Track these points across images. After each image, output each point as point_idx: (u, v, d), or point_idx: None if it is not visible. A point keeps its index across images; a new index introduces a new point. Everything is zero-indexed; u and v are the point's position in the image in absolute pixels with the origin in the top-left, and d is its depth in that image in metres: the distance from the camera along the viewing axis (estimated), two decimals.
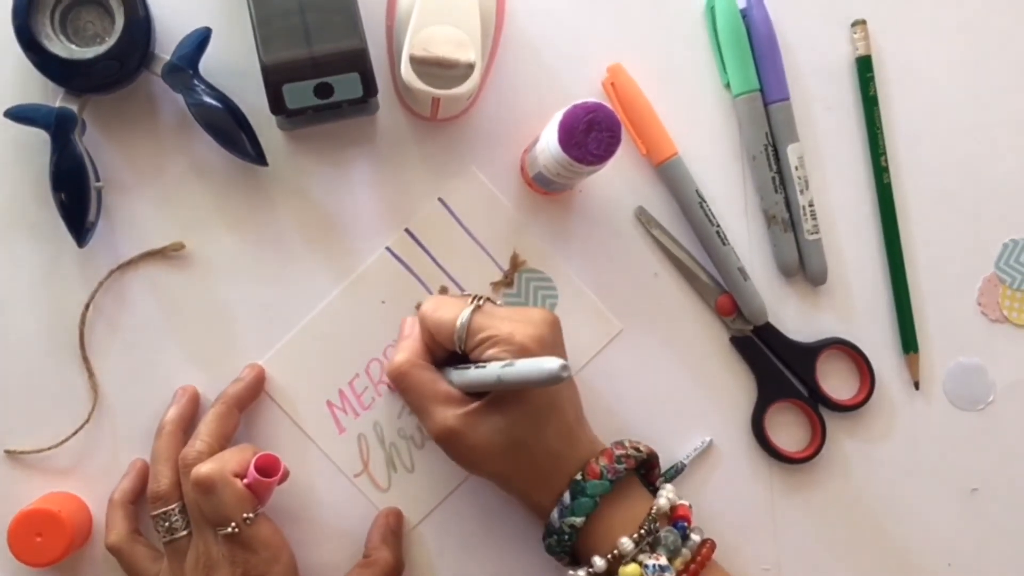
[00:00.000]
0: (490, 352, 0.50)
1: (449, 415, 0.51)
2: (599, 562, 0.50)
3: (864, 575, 0.61)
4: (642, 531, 0.51)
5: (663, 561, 0.50)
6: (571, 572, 0.52)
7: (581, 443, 0.53)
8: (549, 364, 0.46)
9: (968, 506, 0.61)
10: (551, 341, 0.52)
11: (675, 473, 0.59)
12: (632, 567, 0.50)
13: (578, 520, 0.51)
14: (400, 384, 0.53)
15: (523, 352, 0.50)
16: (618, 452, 0.52)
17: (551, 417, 0.52)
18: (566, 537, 0.51)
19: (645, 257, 0.60)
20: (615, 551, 0.50)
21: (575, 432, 0.53)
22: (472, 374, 0.51)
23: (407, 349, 0.54)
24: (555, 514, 0.52)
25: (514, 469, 0.52)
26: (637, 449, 0.53)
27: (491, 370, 0.49)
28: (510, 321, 0.52)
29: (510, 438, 0.51)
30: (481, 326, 0.51)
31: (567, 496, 0.51)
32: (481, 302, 0.53)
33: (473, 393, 0.52)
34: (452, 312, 0.53)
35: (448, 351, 0.54)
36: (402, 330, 0.56)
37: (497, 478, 0.53)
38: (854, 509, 0.61)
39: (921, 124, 0.62)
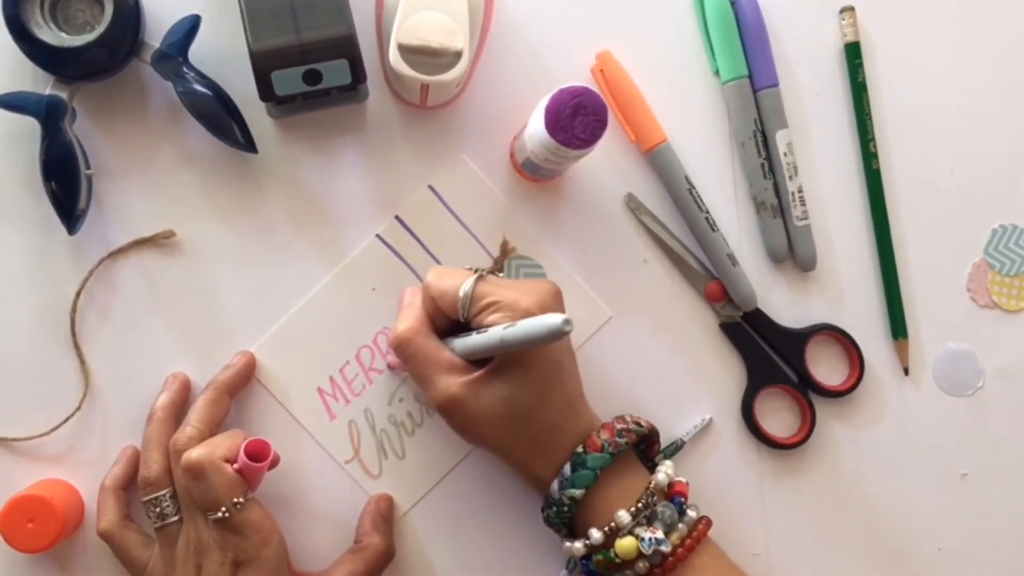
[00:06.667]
0: (493, 317, 0.50)
1: (452, 383, 0.51)
2: (596, 535, 0.51)
3: (854, 560, 0.61)
4: (639, 505, 0.51)
5: (659, 535, 0.50)
6: (567, 545, 0.52)
7: (582, 416, 0.53)
8: (552, 319, 0.46)
9: (958, 491, 0.62)
10: (553, 310, 0.52)
11: (674, 450, 0.60)
12: (628, 540, 0.50)
13: (578, 492, 0.51)
14: (403, 352, 0.53)
15: (526, 317, 0.49)
16: (620, 426, 0.53)
17: (553, 388, 0.52)
18: (565, 509, 0.51)
19: (634, 244, 0.60)
20: (612, 524, 0.51)
21: (576, 405, 0.53)
22: (474, 339, 0.51)
23: (410, 317, 0.53)
24: (555, 486, 0.52)
25: (515, 439, 0.52)
26: (638, 424, 0.53)
27: (493, 333, 0.49)
28: (514, 290, 0.52)
29: (512, 407, 0.51)
30: (485, 292, 0.51)
31: (568, 468, 0.51)
32: (484, 273, 0.53)
33: (475, 363, 0.52)
34: (456, 280, 0.52)
35: (450, 321, 0.54)
36: (402, 300, 0.56)
37: (497, 449, 0.53)
38: (844, 494, 0.61)
39: (910, 110, 0.62)
